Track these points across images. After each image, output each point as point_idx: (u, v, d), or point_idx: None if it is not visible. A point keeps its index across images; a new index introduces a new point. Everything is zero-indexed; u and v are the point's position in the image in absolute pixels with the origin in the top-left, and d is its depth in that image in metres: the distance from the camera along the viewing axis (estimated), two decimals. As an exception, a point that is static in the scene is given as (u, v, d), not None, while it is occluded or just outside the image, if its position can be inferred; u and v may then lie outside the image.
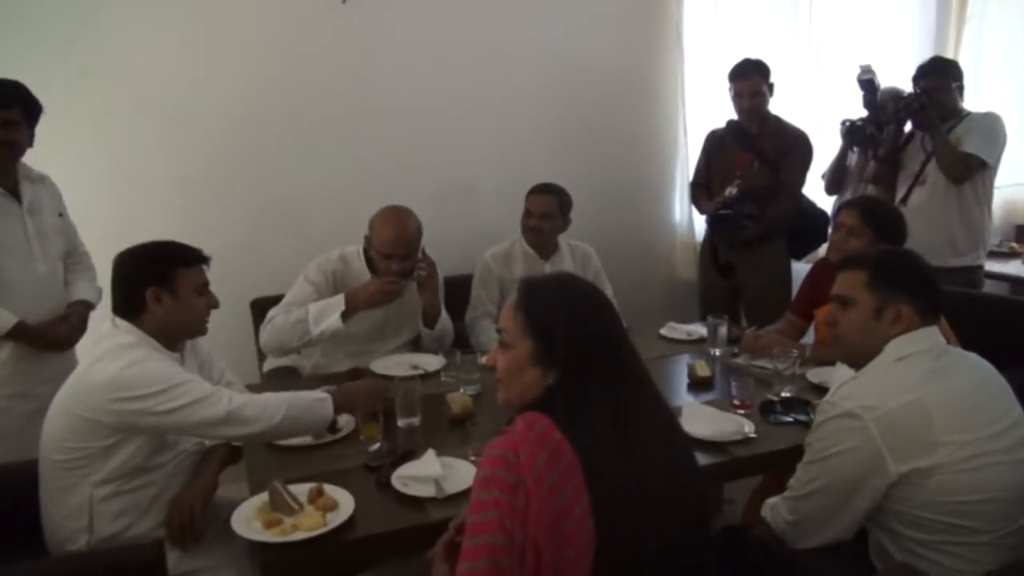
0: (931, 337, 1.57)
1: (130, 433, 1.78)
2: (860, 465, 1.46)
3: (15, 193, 2.35)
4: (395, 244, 2.57)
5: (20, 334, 2.32)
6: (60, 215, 2.50)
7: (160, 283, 1.84)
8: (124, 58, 3.00)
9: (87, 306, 2.51)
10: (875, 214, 2.37)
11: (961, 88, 3.25)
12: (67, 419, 1.77)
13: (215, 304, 1.96)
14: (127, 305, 1.85)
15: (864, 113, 3.39)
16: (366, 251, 2.68)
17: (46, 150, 2.45)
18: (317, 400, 1.91)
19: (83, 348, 2.41)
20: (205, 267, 1.94)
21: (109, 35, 2.97)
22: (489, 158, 3.60)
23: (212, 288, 1.96)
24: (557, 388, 1.26)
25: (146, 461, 1.83)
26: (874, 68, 3.31)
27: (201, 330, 1.97)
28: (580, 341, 1.27)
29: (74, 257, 2.57)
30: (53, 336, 2.39)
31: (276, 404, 1.83)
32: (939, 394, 1.47)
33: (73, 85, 2.90)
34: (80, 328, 2.47)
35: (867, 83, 3.30)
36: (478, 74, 3.53)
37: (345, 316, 2.49)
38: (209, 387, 1.80)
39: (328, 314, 2.50)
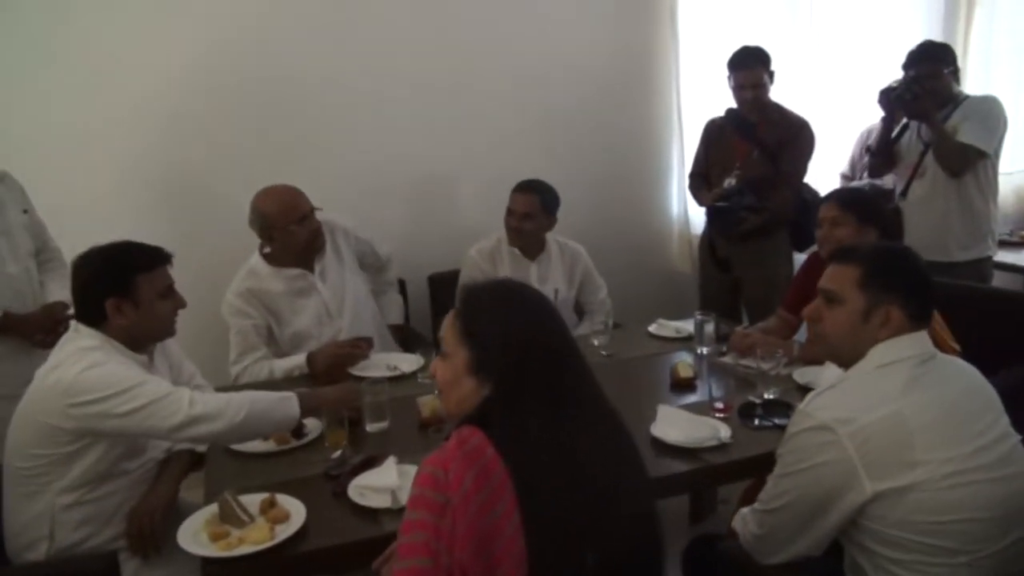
0: (918, 343, 1.47)
1: (93, 439, 1.74)
2: (832, 481, 1.38)
3: None
4: (293, 207, 2.53)
5: (8, 325, 2.30)
6: (25, 211, 2.46)
7: (120, 293, 1.78)
8: (104, 52, 2.95)
9: (63, 307, 2.46)
10: (852, 199, 2.36)
11: (956, 72, 3.12)
12: (29, 426, 1.74)
13: (182, 304, 1.91)
14: (88, 315, 1.80)
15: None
16: (265, 253, 2.63)
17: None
18: (282, 399, 1.87)
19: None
20: (169, 266, 1.88)
21: (84, 27, 2.92)
22: (474, 150, 3.52)
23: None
24: (493, 400, 1.20)
25: (111, 468, 1.80)
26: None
27: (169, 332, 1.93)
28: (515, 351, 1.21)
29: (46, 254, 2.53)
30: (39, 325, 2.36)
31: (239, 402, 1.79)
32: (919, 406, 1.38)
33: (47, 80, 2.87)
34: (56, 328, 2.40)
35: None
36: (462, 63, 3.45)
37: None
38: (169, 387, 1.76)
39: (291, 368, 2.52)
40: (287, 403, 1.86)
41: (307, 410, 1.91)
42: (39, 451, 1.73)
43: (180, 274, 1.94)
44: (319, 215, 2.63)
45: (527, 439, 1.16)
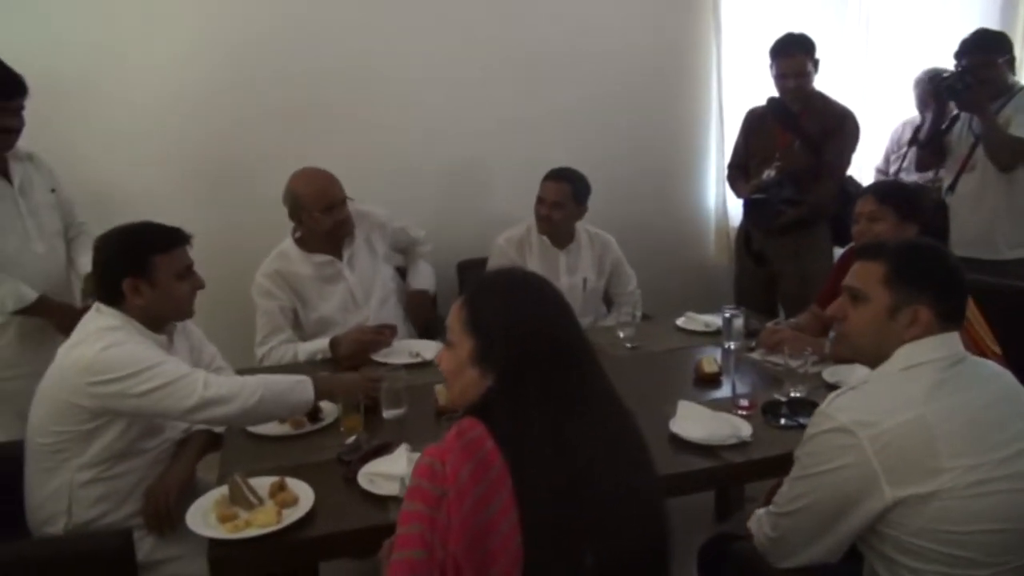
0: (947, 345, 1.40)
1: (111, 417, 1.77)
2: (851, 486, 1.32)
3: (4, 174, 2.36)
4: (327, 193, 2.55)
5: (41, 308, 2.35)
6: (52, 191, 2.50)
7: (137, 273, 1.79)
8: (137, 35, 3.00)
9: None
10: (890, 193, 2.28)
11: (1011, 62, 2.97)
12: (50, 403, 1.77)
13: (200, 285, 1.91)
14: (107, 294, 1.83)
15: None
16: (297, 237, 2.65)
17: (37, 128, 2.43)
18: (297, 383, 1.87)
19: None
20: (187, 247, 1.89)
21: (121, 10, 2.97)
22: (506, 138, 3.48)
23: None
24: (495, 392, 1.17)
25: (130, 447, 1.82)
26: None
27: (186, 313, 1.93)
28: (519, 343, 1.18)
29: (74, 230, 2.57)
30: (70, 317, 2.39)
31: (254, 385, 1.80)
32: (945, 411, 1.31)
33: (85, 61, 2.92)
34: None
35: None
36: (498, 51, 3.41)
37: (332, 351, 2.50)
38: (186, 368, 1.77)
39: (314, 351, 2.53)
40: (302, 387, 1.86)
41: (322, 394, 1.91)
42: (59, 428, 1.76)
43: (209, 256, 1.96)
44: (353, 206, 2.65)
45: (528, 434, 1.13)
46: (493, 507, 1.09)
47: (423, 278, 2.97)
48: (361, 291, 2.70)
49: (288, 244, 2.67)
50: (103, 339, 1.74)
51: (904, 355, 1.40)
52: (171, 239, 1.85)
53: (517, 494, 1.09)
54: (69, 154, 2.76)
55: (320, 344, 2.51)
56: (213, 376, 1.80)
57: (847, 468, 1.32)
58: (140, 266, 1.79)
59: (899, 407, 1.32)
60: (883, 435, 1.30)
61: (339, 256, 2.67)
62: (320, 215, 2.54)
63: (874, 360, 1.45)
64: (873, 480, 1.30)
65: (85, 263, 2.51)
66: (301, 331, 2.64)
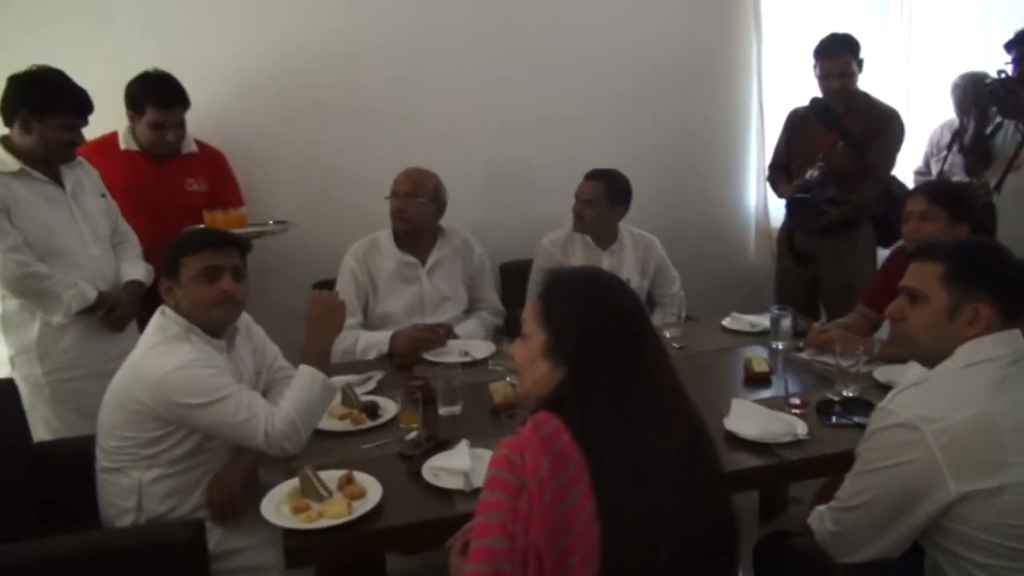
0: (1010, 342, 1.41)
1: (179, 425, 1.80)
2: (915, 480, 1.34)
3: (57, 179, 2.39)
4: (399, 182, 2.72)
5: (100, 305, 2.41)
6: (102, 196, 2.55)
7: (168, 274, 1.84)
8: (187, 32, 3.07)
9: (138, 285, 2.55)
10: (944, 193, 2.27)
11: None
12: (118, 410, 1.81)
13: (228, 289, 1.83)
14: (160, 297, 1.89)
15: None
16: (395, 230, 2.77)
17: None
18: (322, 389, 1.85)
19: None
20: (220, 250, 1.84)
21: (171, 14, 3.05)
22: (550, 141, 3.51)
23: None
24: (566, 386, 1.21)
25: (197, 447, 1.85)
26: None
27: (211, 318, 1.85)
28: (590, 338, 1.22)
29: (118, 236, 2.61)
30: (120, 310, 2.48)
31: (299, 417, 1.77)
32: (1011, 407, 1.33)
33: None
34: (132, 309, 2.52)
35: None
36: (540, 52, 3.44)
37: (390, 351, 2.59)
38: (247, 408, 1.74)
39: (374, 348, 2.59)
40: (325, 390, 1.86)
41: (321, 364, 1.87)
42: (128, 433, 1.80)
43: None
44: (451, 225, 2.87)
45: (603, 428, 1.16)
46: (571, 500, 1.12)
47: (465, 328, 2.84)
48: (431, 300, 2.79)
49: (385, 233, 2.79)
50: (171, 355, 1.75)
51: (966, 353, 1.41)
52: (201, 241, 1.86)
53: (594, 487, 1.12)
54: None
55: (382, 336, 2.59)
56: (273, 416, 1.76)
57: (911, 463, 1.34)
58: (171, 267, 1.83)
59: (963, 403, 1.34)
60: (948, 430, 1.31)
61: (423, 261, 2.77)
62: (391, 197, 2.73)
63: (934, 359, 1.46)
64: (937, 474, 1.31)
65: (127, 270, 2.57)
66: (365, 320, 2.74)
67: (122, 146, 2.79)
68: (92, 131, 2.47)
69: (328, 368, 1.89)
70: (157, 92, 2.70)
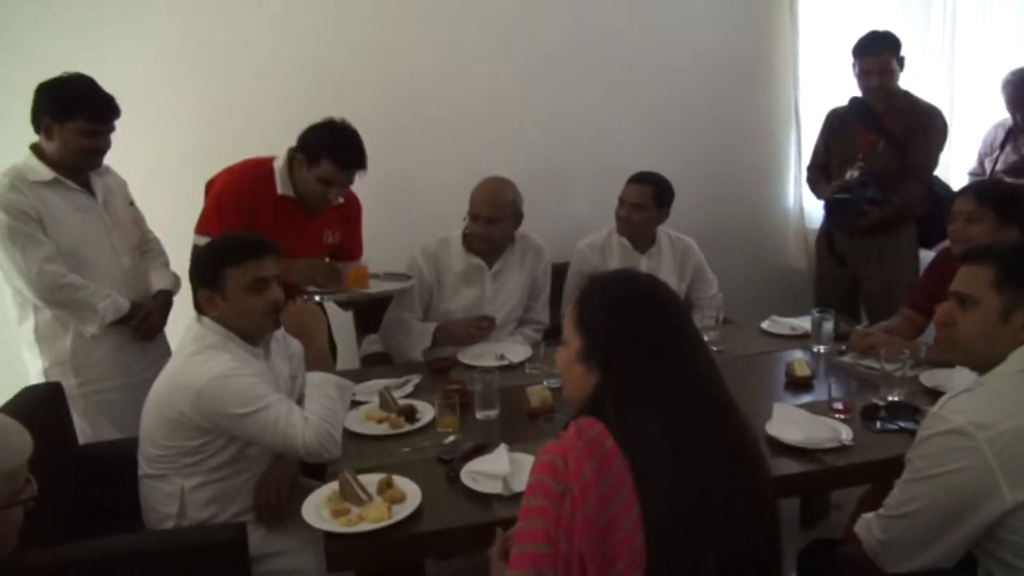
0: None
1: (219, 434, 1.82)
2: (969, 488, 1.30)
3: (87, 187, 2.37)
4: (480, 204, 2.68)
5: (135, 315, 2.41)
6: (131, 204, 2.55)
7: (209, 286, 1.84)
8: (210, 42, 3.12)
9: (167, 295, 2.55)
10: (992, 194, 2.21)
11: None
12: (159, 419, 1.83)
13: (274, 299, 1.86)
14: (196, 305, 1.90)
15: None
16: (466, 232, 2.77)
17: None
18: (339, 391, 1.88)
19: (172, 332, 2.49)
20: (266, 259, 1.86)
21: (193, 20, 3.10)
22: (586, 144, 3.52)
23: None
24: (603, 389, 1.20)
25: (238, 454, 1.87)
26: None
27: (258, 327, 1.89)
28: (621, 343, 1.21)
29: (145, 245, 2.59)
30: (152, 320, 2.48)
31: (327, 423, 1.79)
32: None
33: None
34: (163, 319, 2.53)
35: None
36: (579, 55, 3.44)
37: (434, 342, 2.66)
38: (284, 420, 1.76)
39: (419, 342, 2.67)
40: (338, 388, 1.88)
41: (325, 368, 1.92)
42: (168, 442, 1.82)
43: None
44: (528, 234, 2.87)
45: (644, 433, 1.15)
46: (615, 505, 1.10)
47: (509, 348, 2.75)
48: (491, 304, 2.79)
49: (455, 235, 2.80)
50: (210, 364, 1.77)
51: (1020, 357, 1.37)
52: (247, 251, 1.85)
53: (639, 493, 1.11)
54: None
55: (427, 327, 2.67)
56: (308, 425, 1.78)
57: (964, 471, 1.30)
58: (213, 278, 1.83)
59: (1019, 409, 1.30)
60: (1002, 437, 1.27)
61: (489, 265, 2.79)
62: (469, 218, 2.72)
63: (986, 364, 1.43)
64: (992, 483, 1.27)
65: (155, 279, 2.56)
66: (426, 315, 2.79)
67: (280, 190, 2.50)
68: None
69: (331, 367, 1.93)
70: (341, 151, 2.42)
